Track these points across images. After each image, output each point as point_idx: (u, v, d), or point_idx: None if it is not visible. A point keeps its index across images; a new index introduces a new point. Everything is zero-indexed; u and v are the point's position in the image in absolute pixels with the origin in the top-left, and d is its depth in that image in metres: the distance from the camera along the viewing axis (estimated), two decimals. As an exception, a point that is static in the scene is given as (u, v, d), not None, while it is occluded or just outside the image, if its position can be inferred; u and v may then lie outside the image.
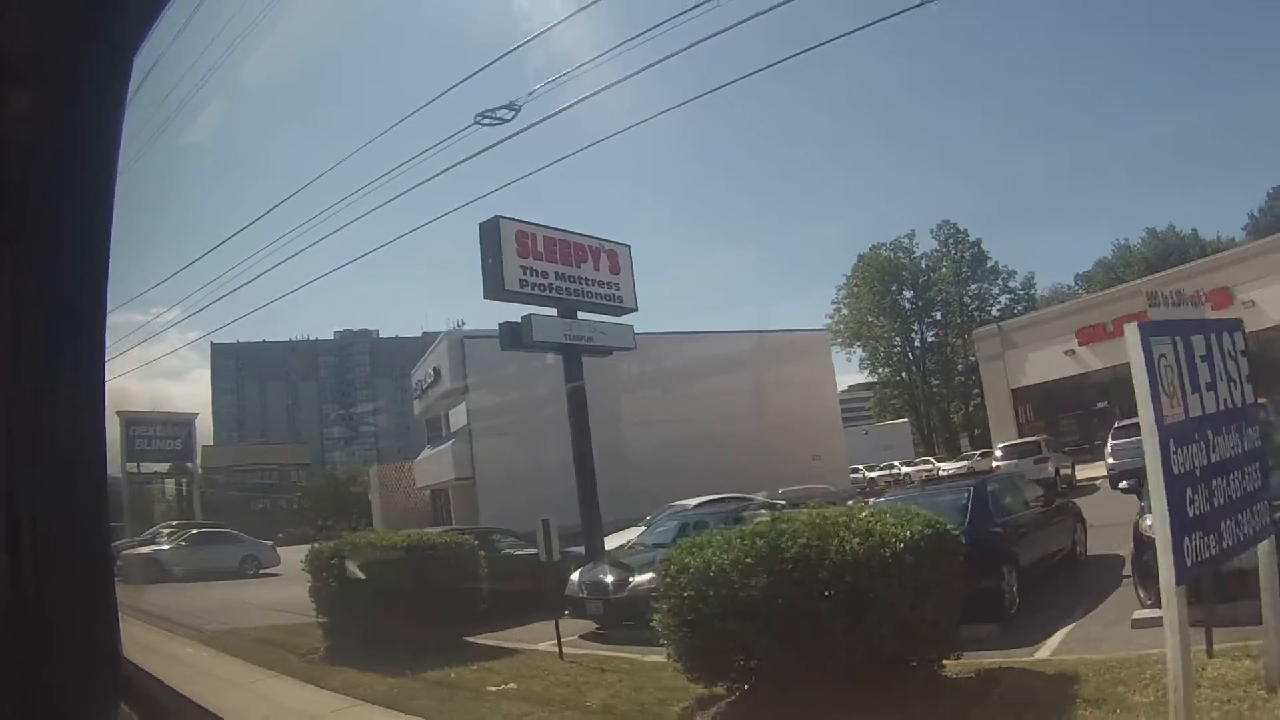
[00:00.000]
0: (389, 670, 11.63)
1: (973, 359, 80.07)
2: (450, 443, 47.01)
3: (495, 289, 19.52)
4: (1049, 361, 47.84)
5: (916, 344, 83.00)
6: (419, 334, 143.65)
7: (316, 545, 15.40)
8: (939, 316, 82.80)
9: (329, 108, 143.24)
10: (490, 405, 45.24)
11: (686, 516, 19.35)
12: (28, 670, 2.71)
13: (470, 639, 13.71)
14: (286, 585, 29.49)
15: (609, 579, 15.22)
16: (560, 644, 12.58)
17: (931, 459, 63.00)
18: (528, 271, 19.78)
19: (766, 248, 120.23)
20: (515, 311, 19.46)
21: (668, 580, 8.59)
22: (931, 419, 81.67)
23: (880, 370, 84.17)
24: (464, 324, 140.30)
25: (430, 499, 58.94)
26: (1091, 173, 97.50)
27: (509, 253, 19.38)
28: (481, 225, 19.52)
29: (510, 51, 44.26)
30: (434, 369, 49.29)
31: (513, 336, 19.76)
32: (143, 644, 14.46)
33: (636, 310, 21.88)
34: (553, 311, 20.47)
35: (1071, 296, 75.36)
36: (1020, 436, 47.44)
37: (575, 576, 15.78)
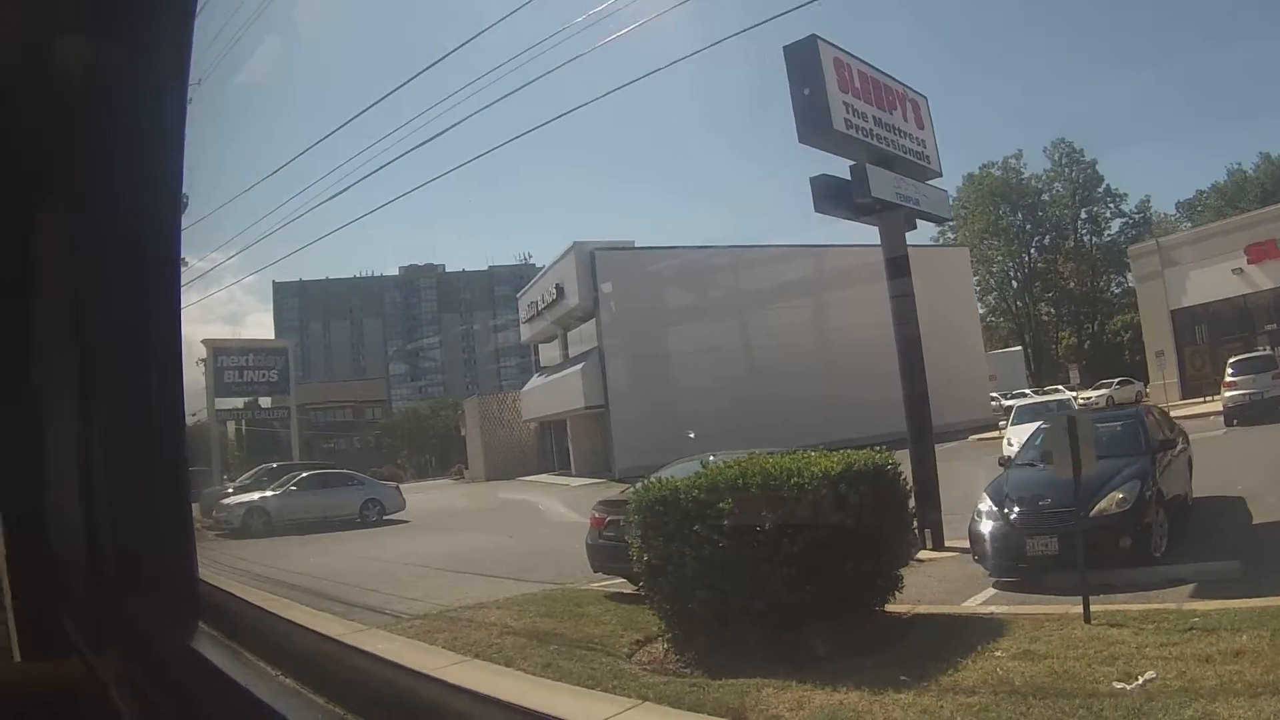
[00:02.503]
0: (849, 676, 7.54)
1: (1073, 286, 77.30)
2: (579, 366, 43.24)
3: (817, 128, 15.27)
4: (1214, 281, 43.75)
5: (1026, 269, 79.10)
6: (485, 267, 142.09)
7: (668, 480, 9.77)
8: (1047, 241, 78.95)
9: (384, 38, 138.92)
10: (628, 322, 41.52)
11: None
12: (109, 597, 3.02)
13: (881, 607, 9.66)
14: (431, 535, 26.09)
15: (1064, 504, 11.08)
16: (1087, 606, 8.81)
17: (1062, 387, 59.46)
18: (850, 111, 15.57)
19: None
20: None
21: None
22: (1043, 347, 77.92)
23: (988, 298, 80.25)
24: (531, 257, 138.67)
25: (537, 432, 55.71)
26: (1184, 99, 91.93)
27: (831, 84, 15.22)
28: (789, 49, 15.26)
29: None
30: (556, 286, 45.74)
31: (834, 193, 15.43)
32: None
33: (942, 175, 17.75)
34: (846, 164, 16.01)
35: (1175, 226, 71.98)
36: (1181, 361, 44.28)
37: (986, 505, 12.05)
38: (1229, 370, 31.04)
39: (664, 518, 9.16)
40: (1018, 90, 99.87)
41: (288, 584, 16.40)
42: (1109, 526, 10.91)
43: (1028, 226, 78.16)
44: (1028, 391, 46.69)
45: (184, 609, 3.26)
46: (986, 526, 11.90)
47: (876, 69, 16.47)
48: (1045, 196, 77.74)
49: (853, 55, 15.93)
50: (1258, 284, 42.49)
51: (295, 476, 32.83)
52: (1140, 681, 6.86)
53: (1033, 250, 79.19)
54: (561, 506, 31.96)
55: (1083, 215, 77.67)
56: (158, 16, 2.92)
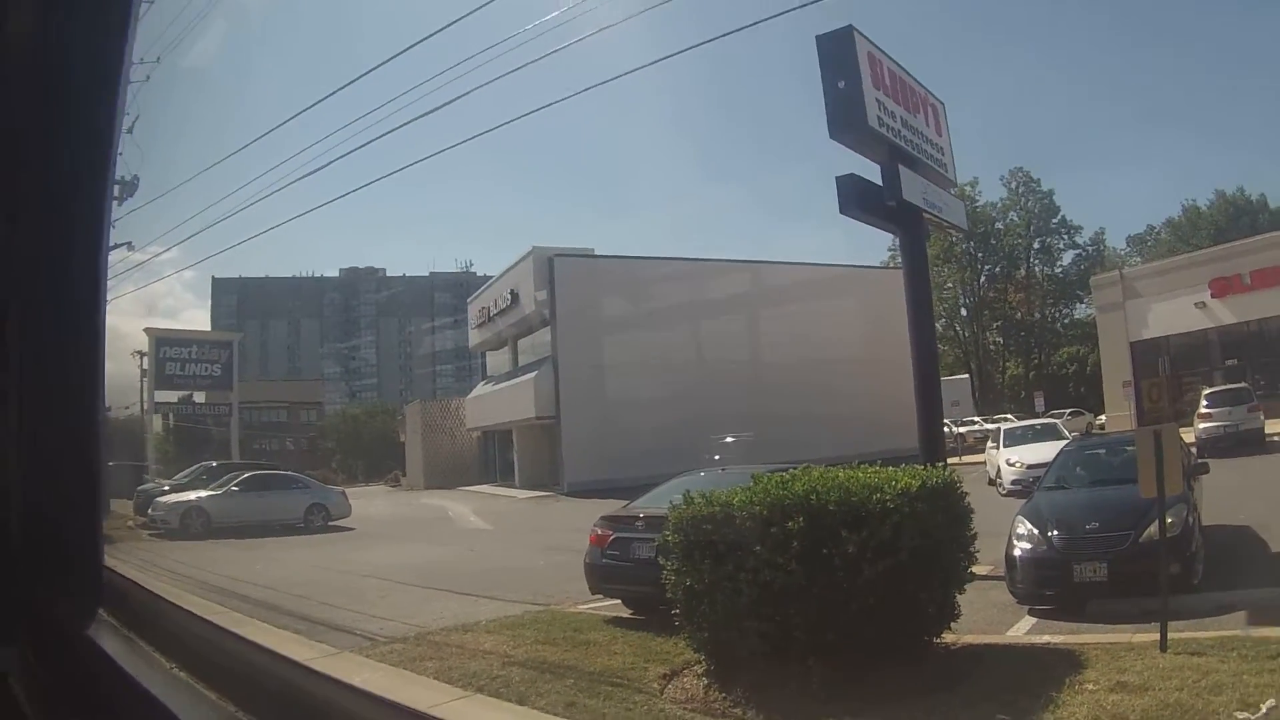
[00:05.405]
0: (939, 715, 6.59)
1: (1022, 316, 77.28)
2: (531, 374, 41.86)
3: (850, 123, 14.04)
4: (1176, 314, 43.82)
5: (975, 297, 78.96)
6: (427, 273, 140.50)
7: (716, 495, 8.34)
8: (998, 270, 78.84)
9: (334, 33, 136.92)
10: (584, 331, 40.32)
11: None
12: (14, 583, 2.80)
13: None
14: (383, 545, 24.28)
15: (1113, 528, 10.67)
16: (1164, 633, 7.87)
17: (1011, 416, 59.10)
18: (881, 108, 14.43)
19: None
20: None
21: None
22: (990, 376, 77.90)
23: (935, 324, 79.96)
24: (472, 265, 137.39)
25: (479, 442, 54.13)
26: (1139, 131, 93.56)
27: (866, 78, 14.07)
28: (823, 38, 14.07)
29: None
30: (510, 291, 44.42)
31: (863, 194, 14.31)
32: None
33: (957, 185, 16.61)
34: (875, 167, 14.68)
35: (1125, 261, 72.59)
36: (1138, 392, 44.09)
37: (1024, 529, 11.10)
38: (1204, 402, 30.64)
39: (713, 537, 7.80)
40: (974, 115, 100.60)
41: (238, 595, 14.26)
42: (1157, 552, 10.01)
43: (980, 254, 77.93)
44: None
45: (88, 598, 3.28)
46: (1026, 552, 11.04)
47: (903, 68, 15.40)
48: (999, 225, 77.75)
49: (883, 51, 14.83)
50: (1220, 318, 42.64)
51: (237, 477, 30.74)
52: (1264, 710, 6.18)
53: (983, 278, 79.07)
54: (514, 519, 30.59)
55: (1036, 245, 77.96)
56: None
